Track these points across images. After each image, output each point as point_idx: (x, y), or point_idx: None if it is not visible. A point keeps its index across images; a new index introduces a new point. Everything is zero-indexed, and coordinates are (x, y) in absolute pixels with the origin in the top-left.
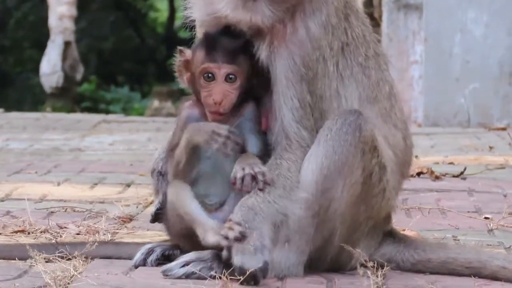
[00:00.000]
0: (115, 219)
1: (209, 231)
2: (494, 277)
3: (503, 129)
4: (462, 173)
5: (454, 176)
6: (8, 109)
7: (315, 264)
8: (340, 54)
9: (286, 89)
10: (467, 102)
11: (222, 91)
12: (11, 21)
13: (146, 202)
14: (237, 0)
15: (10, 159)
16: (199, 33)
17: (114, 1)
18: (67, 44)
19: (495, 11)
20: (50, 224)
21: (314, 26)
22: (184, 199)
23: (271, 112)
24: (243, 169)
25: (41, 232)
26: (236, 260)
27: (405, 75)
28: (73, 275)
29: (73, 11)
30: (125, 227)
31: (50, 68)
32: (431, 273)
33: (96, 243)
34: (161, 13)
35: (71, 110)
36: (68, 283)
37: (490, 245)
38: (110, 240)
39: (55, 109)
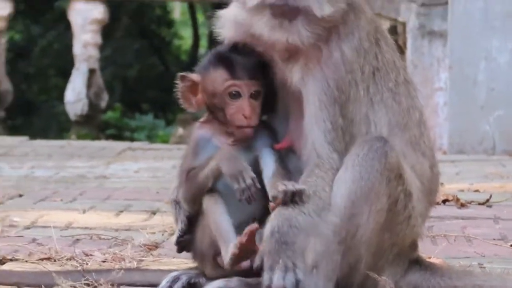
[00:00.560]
0: (141, 247)
1: (231, 246)
2: None
3: None
4: (487, 200)
5: (479, 204)
6: (33, 137)
7: None
8: (371, 78)
9: (319, 111)
10: (492, 129)
11: (250, 106)
12: (35, 49)
13: (172, 230)
14: (274, 20)
15: (35, 187)
16: None
17: (138, 29)
18: (91, 71)
19: None
20: (76, 251)
21: (348, 49)
22: (216, 210)
23: (296, 133)
24: (285, 185)
25: (67, 260)
26: (265, 279)
27: (430, 102)
28: None
29: (98, 39)
30: (151, 254)
31: (75, 96)
32: None
33: (122, 270)
34: (185, 40)
35: (96, 138)
36: None
37: None
38: (136, 267)
39: (80, 137)
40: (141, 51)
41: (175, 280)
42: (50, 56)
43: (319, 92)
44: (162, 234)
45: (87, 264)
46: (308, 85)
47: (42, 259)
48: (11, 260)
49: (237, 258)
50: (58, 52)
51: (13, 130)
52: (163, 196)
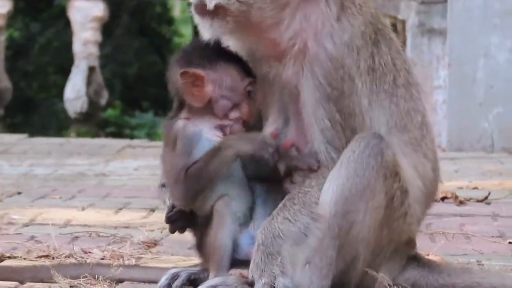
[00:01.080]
0: (140, 244)
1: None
2: None
3: None
4: (486, 198)
5: (478, 201)
6: (33, 134)
7: None
8: (367, 76)
9: (316, 109)
10: (491, 126)
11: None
12: (35, 46)
13: None
14: None
15: (34, 185)
16: None
17: (138, 26)
18: (91, 69)
19: None
20: (74, 249)
21: (331, 46)
22: (223, 223)
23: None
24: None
25: (65, 257)
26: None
27: (429, 100)
28: None
29: (98, 37)
30: (150, 252)
31: (75, 93)
32: None
33: (120, 267)
34: (185, 38)
35: (95, 135)
36: None
37: None
38: (134, 264)
39: (79, 135)
40: (141, 49)
41: (175, 277)
42: (50, 53)
43: (312, 90)
44: (161, 232)
45: (85, 261)
46: (301, 83)
47: (40, 257)
48: (9, 257)
49: None
50: (58, 50)
51: (12, 128)
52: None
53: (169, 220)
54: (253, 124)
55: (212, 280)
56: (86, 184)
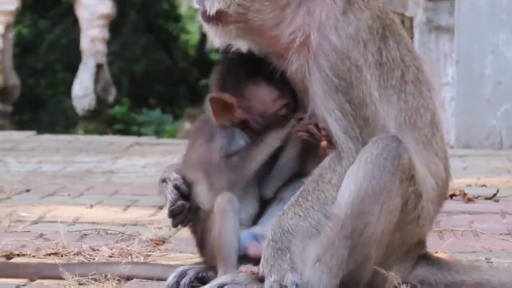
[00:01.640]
0: (148, 242)
1: (223, 268)
2: None
3: None
4: (494, 195)
5: (486, 198)
6: (41, 131)
7: None
8: (375, 69)
9: (326, 102)
10: (499, 123)
11: None
12: (43, 44)
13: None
14: None
15: (42, 182)
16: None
17: (145, 24)
18: (99, 66)
19: None
20: (83, 246)
21: (336, 38)
22: (226, 219)
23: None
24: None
25: (74, 255)
26: (266, 284)
27: (437, 97)
28: None
29: (105, 34)
30: (158, 249)
31: (82, 90)
32: None
33: (128, 265)
34: (193, 35)
35: (103, 133)
36: None
37: None
38: (143, 262)
39: (87, 132)
40: (149, 46)
41: (183, 275)
42: (58, 50)
43: (320, 83)
44: (169, 229)
45: (94, 259)
46: (308, 77)
47: (49, 254)
48: (18, 255)
49: None
50: (66, 47)
51: (20, 125)
52: None
53: (171, 213)
54: None
55: (221, 278)
56: (94, 181)
